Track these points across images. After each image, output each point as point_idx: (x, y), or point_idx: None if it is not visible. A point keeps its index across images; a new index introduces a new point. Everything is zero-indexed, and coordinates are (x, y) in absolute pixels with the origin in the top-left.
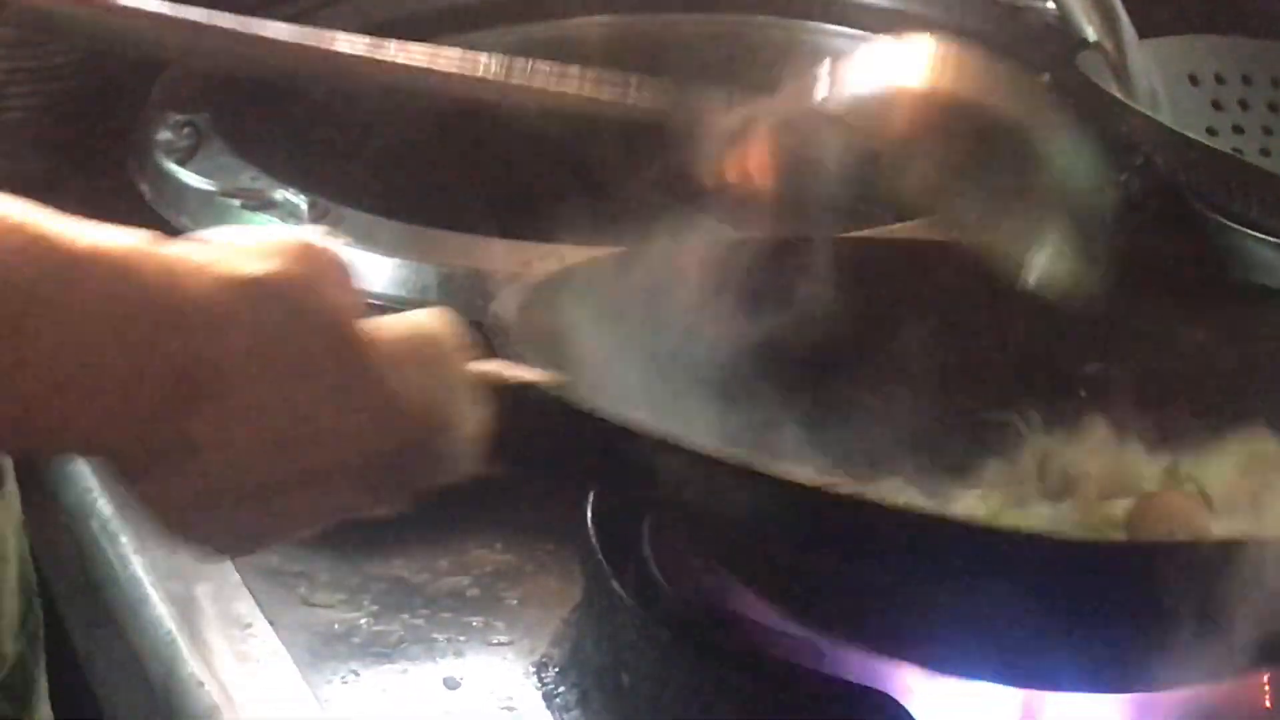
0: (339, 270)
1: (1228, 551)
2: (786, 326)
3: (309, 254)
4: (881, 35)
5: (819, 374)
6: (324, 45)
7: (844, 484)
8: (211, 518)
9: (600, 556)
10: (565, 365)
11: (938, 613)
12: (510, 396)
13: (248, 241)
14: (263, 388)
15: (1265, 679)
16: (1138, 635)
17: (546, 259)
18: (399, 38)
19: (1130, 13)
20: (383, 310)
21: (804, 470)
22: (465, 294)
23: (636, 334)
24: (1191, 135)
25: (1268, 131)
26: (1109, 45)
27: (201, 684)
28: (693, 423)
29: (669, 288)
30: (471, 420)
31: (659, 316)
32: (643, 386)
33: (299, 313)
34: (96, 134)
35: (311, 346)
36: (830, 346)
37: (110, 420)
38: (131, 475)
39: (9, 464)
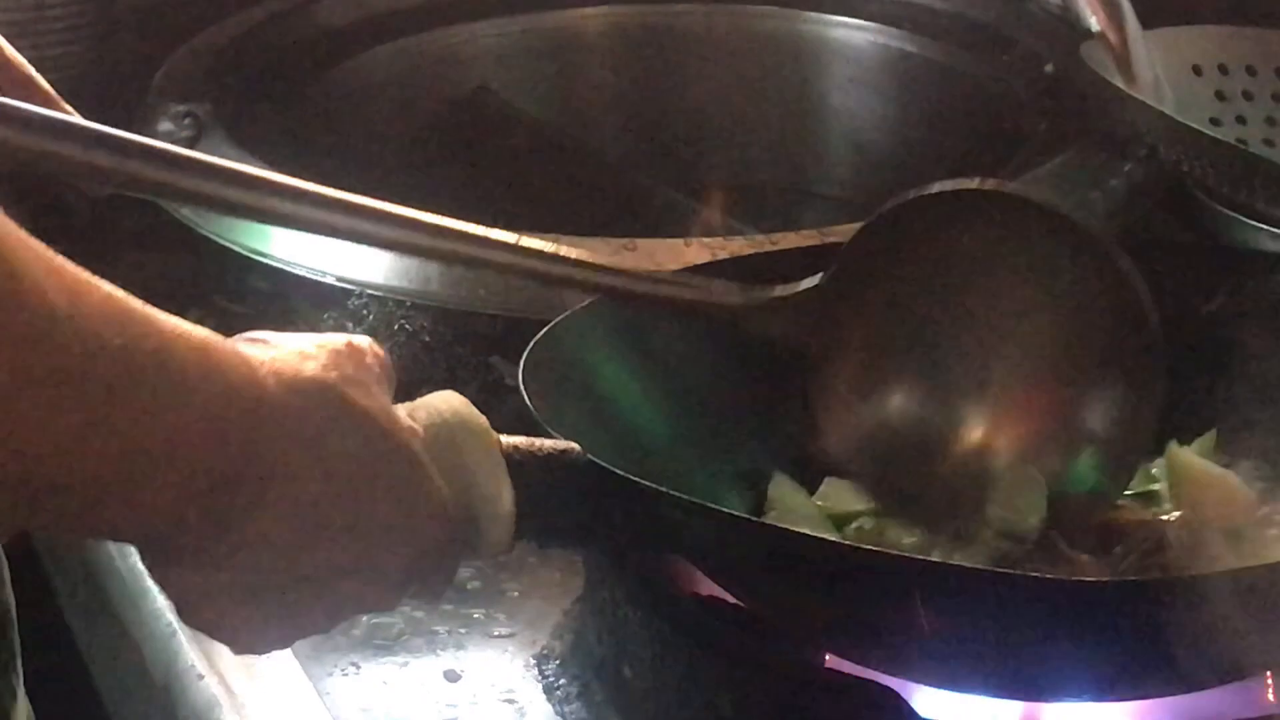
0: (383, 369)
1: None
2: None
3: (357, 354)
4: (883, 26)
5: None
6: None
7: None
8: (239, 612)
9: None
10: (590, 415)
11: (937, 640)
12: (540, 469)
13: (302, 342)
14: (313, 485)
15: (1268, 679)
16: (1136, 648)
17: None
18: (400, 28)
19: (1134, 3)
20: (383, 303)
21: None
22: (467, 285)
23: (646, 366)
24: (1195, 126)
25: (1271, 122)
26: (1113, 36)
27: (202, 677)
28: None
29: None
30: (507, 499)
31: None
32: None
33: (351, 412)
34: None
35: (363, 444)
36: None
37: (158, 505)
38: (163, 562)
39: None
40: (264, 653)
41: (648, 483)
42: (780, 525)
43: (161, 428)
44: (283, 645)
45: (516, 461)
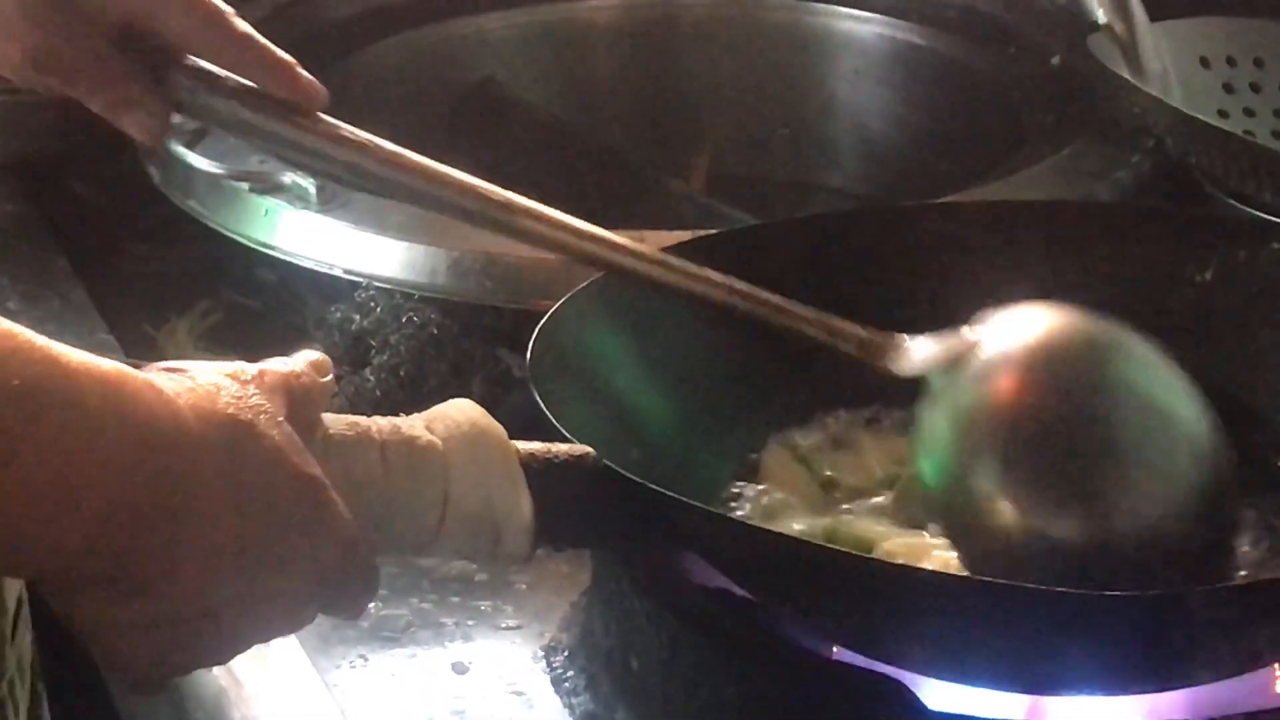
0: (306, 391)
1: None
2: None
3: (271, 384)
4: (890, 18)
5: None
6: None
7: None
8: (142, 642)
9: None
10: (594, 397)
11: (945, 635)
12: (557, 477)
13: (217, 375)
14: (225, 520)
15: (1276, 671)
16: (1142, 646)
17: None
18: (407, 20)
19: None
20: (390, 295)
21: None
22: (474, 277)
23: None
24: (1203, 118)
25: (1279, 114)
26: (1120, 27)
27: (209, 669)
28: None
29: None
30: (525, 509)
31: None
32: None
33: (261, 447)
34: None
35: (274, 478)
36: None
37: (65, 544)
38: (66, 592)
39: None
40: (158, 684)
41: (660, 489)
42: (795, 536)
43: (71, 466)
44: (181, 674)
45: (533, 470)
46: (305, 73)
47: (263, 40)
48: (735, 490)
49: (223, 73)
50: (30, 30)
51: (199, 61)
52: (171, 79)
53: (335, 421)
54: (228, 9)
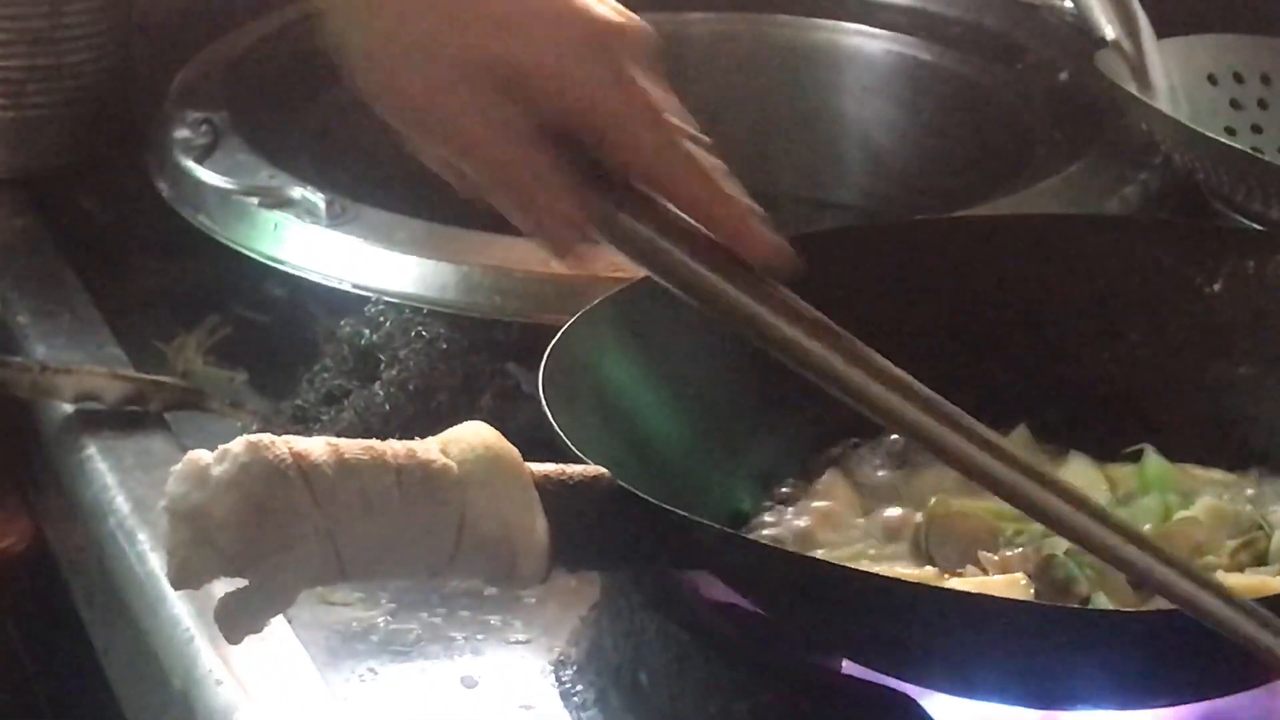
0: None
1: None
2: None
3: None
4: (898, 35)
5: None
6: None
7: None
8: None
9: None
10: (605, 419)
11: (955, 651)
12: (571, 498)
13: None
14: None
15: None
16: (1151, 663)
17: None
18: None
19: (1149, 11)
20: (400, 310)
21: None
22: (484, 292)
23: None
24: (1210, 134)
25: None
26: (1127, 44)
27: (220, 682)
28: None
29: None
30: (541, 532)
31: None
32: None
33: None
34: (115, 131)
35: None
36: None
37: None
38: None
39: None
40: None
41: (677, 509)
42: (809, 556)
43: None
44: None
45: (548, 492)
46: (770, 230)
47: (728, 179)
48: (749, 509)
49: (668, 206)
50: (446, 93)
51: (641, 185)
52: (604, 196)
53: (350, 445)
54: (693, 130)
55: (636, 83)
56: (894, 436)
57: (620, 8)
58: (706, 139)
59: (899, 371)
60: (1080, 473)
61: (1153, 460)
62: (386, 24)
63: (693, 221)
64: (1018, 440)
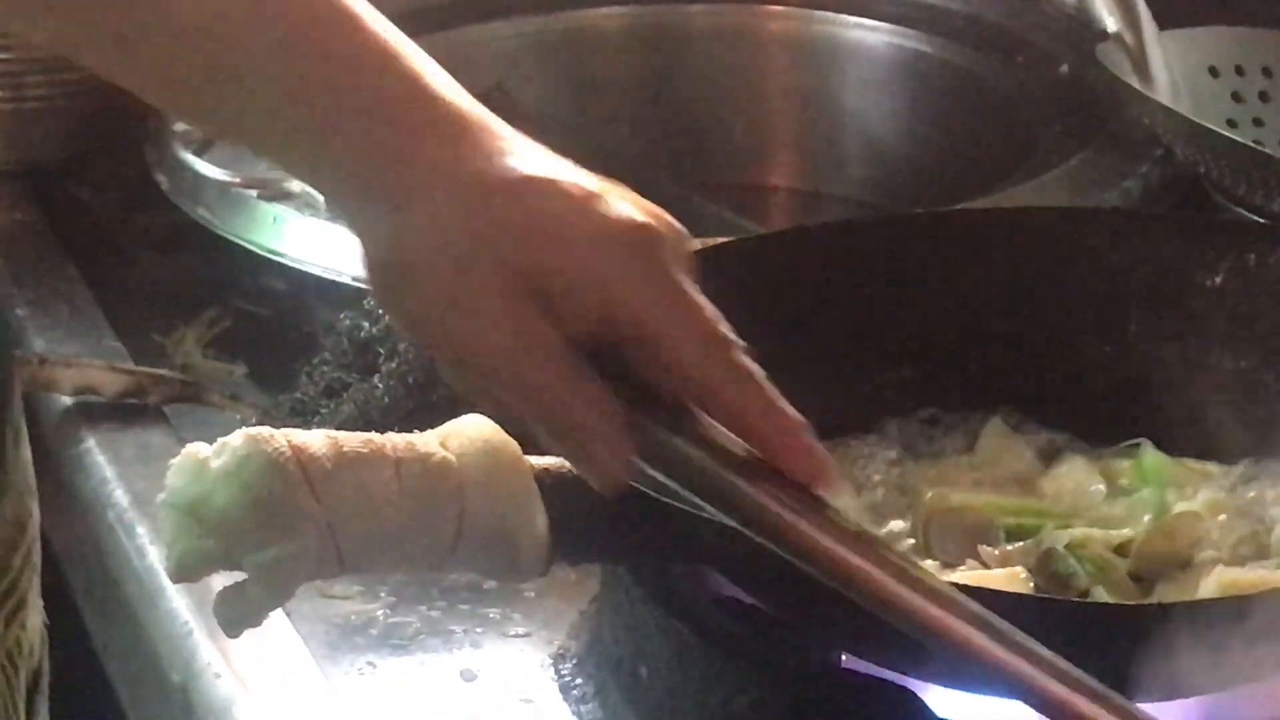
0: None
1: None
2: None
3: None
4: (899, 27)
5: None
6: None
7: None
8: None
9: None
10: None
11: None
12: (571, 491)
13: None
14: None
15: None
16: (1152, 658)
17: None
18: (414, 28)
19: (1150, 4)
20: None
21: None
22: None
23: None
24: (1211, 126)
25: None
26: (1129, 37)
27: (218, 675)
28: None
29: None
30: (541, 525)
31: None
32: None
33: None
34: (114, 124)
35: None
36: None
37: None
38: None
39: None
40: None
41: (673, 501)
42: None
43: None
44: None
45: (548, 485)
46: (819, 446)
47: (774, 392)
48: None
49: (711, 424)
50: (476, 313)
51: (684, 400)
52: (655, 420)
53: (349, 438)
54: (737, 342)
55: (683, 288)
56: (894, 431)
57: (653, 208)
58: (748, 346)
59: (948, 589)
60: (1073, 469)
61: (1150, 454)
62: (410, 226)
63: (741, 443)
64: (993, 430)
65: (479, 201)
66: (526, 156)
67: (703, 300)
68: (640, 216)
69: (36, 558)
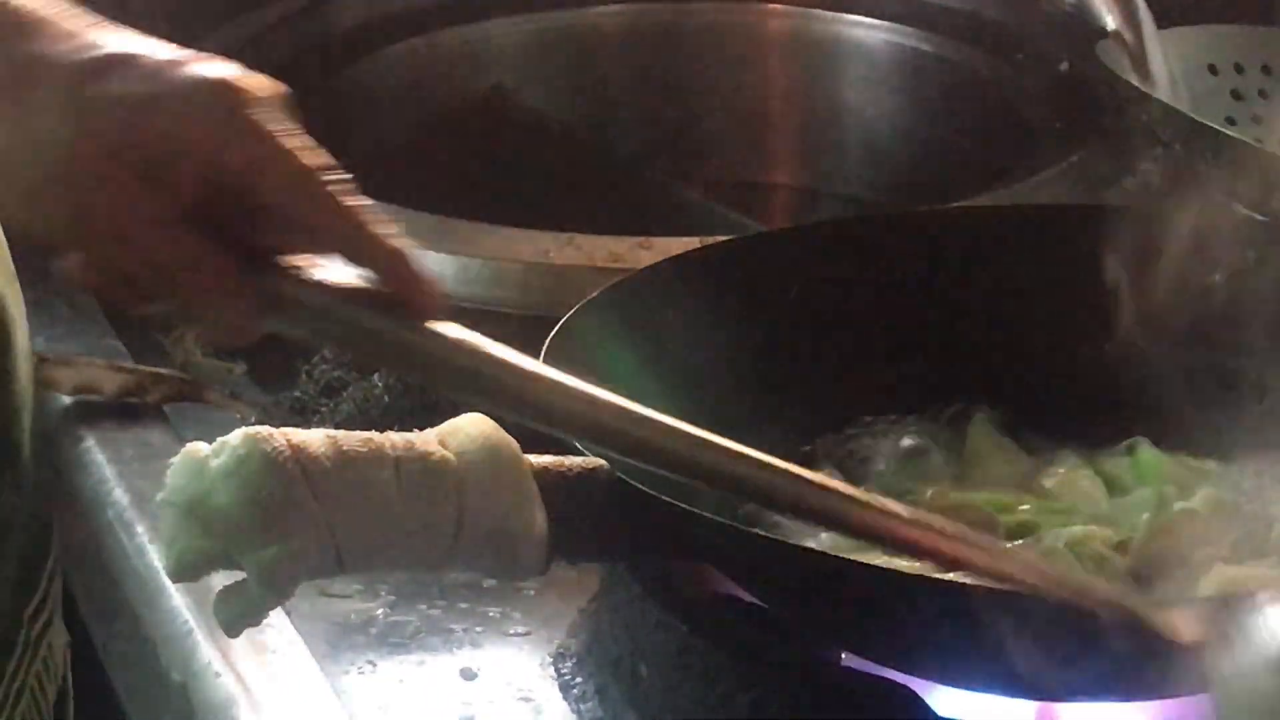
0: None
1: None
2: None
3: None
4: (898, 25)
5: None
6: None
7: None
8: None
9: None
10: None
11: (954, 643)
12: (570, 490)
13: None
14: None
15: None
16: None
17: (563, 248)
18: (413, 27)
19: (1149, 2)
20: None
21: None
22: (483, 283)
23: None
24: (1211, 124)
25: None
26: (1128, 34)
27: (218, 675)
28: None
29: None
30: (540, 523)
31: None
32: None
33: None
34: None
35: None
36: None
37: None
38: None
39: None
40: None
41: (676, 500)
42: (809, 548)
43: None
44: None
45: (547, 484)
46: (422, 269)
47: (374, 224)
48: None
49: (323, 265)
50: (87, 191)
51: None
52: (262, 269)
53: (348, 437)
54: (333, 177)
55: (267, 133)
56: (894, 429)
57: (238, 68)
58: (347, 176)
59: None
60: (1070, 468)
61: (1146, 452)
62: (7, 125)
63: (352, 281)
64: (986, 429)
65: (66, 90)
66: (103, 38)
67: (297, 141)
68: (218, 74)
69: (59, 577)
